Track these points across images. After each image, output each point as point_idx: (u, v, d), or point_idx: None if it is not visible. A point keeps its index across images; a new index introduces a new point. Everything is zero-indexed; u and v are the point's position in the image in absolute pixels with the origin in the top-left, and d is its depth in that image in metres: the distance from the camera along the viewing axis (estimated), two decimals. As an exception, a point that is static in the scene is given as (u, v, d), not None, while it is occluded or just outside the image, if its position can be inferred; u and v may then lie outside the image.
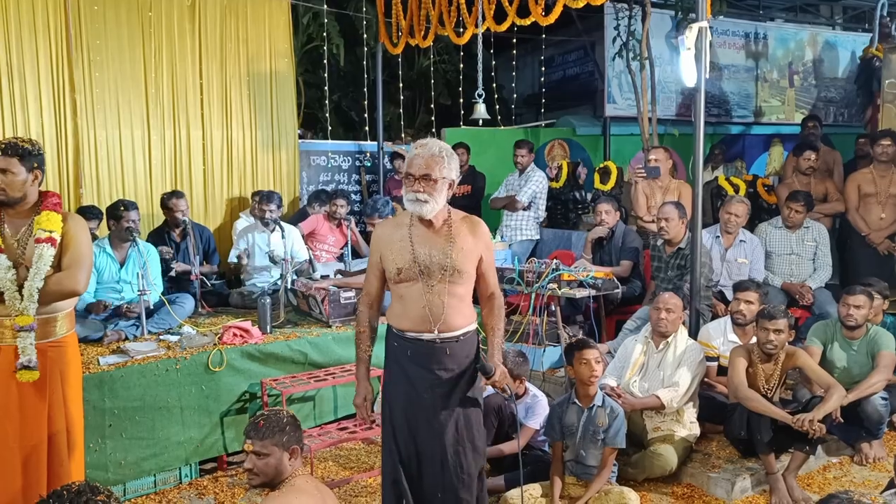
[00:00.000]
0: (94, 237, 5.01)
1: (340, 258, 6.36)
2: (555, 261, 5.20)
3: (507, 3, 5.61)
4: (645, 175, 6.02)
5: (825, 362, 4.42)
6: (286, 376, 4.49)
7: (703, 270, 4.70)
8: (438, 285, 2.84)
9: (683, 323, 4.43)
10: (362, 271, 5.32)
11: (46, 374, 3.04)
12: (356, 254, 6.46)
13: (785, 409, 3.95)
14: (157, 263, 5.02)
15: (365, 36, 8.13)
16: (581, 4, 5.14)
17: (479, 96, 6.40)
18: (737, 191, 6.60)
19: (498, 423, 4.04)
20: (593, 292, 5.01)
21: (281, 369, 4.53)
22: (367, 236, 7.11)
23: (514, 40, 8.89)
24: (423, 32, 6.59)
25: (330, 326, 4.87)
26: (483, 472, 3.03)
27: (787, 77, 10.07)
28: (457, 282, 2.86)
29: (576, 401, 3.80)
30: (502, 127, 9.14)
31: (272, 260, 5.59)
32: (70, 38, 5.89)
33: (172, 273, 5.37)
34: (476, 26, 6.04)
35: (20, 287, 2.97)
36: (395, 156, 7.76)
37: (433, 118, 8.97)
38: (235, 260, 5.83)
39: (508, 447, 3.98)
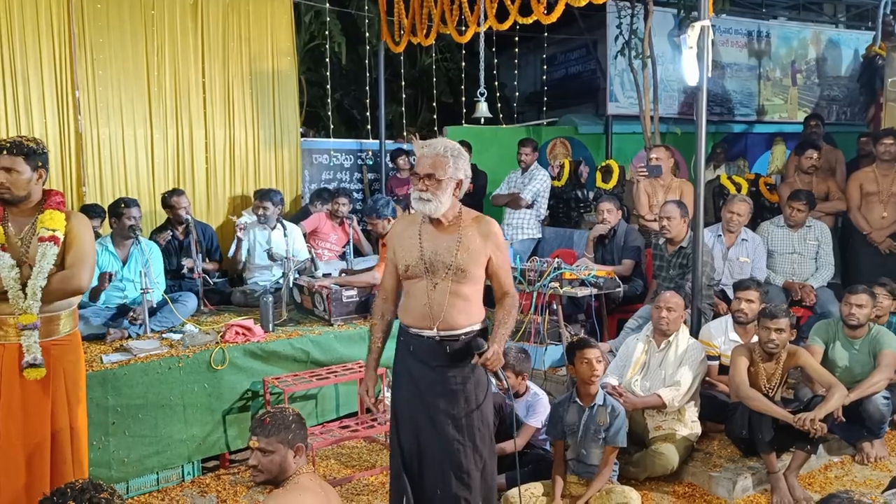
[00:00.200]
0: (97, 235, 5.02)
1: (342, 256, 6.37)
2: (556, 259, 5.21)
3: (509, 2, 5.61)
4: (647, 174, 6.02)
5: (827, 361, 4.42)
6: (288, 374, 4.50)
7: (704, 269, 4.71)
8: (442, 283, 2.87)
9: (685, 322, 4.44)
10: (365, 270, 5.35)
11: (50, 371, 3.05)
12: (358, 252, 6.47)
13: (786, 409, 3.96)
14: (160, 261, 5.03)
15: (367, 34, 8.14)
16: (583, 3, 5.14)
17: (482, 95, 6.41)
18: (739, 190, 6.60)
19: (499, 421, 4.03)
20: (595, 291, 5.02)
21: (283, 367, 4.54)
22: (368, 235, 7.12)
23: (517, 38, 8.91)
24: (425, 31, 6.59)
25: (332, 325, 4.88)
26: (489, 472, 3.01)
27: (789, 75, 10.06)
28: (461, 281, 2.87)
29: (577, 400, 3.80)
30: (504, 125, 9.15)
31: (271, 257, 5.60)
32: (73, 36, 5.90)
33: (184, 270, 5.38)
34: (478, 25, 6.05)
35: (24, 285, 2.98)
36: (397, 154, 7.76)
37: (435, 116, 8.98)
38: (232, 250, 5.82)
39: (509, 446, 3.98)
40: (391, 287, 3.10)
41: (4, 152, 2.99)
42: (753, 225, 5.87)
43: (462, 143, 7.47)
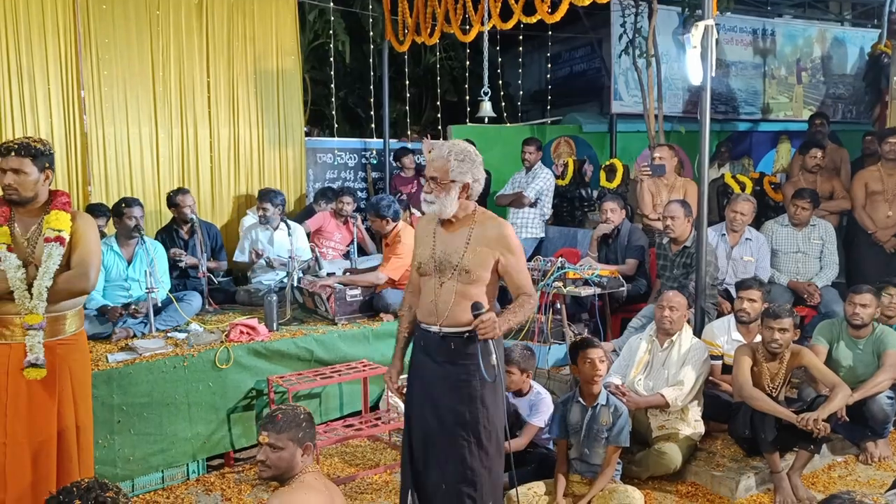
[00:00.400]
0: (103, 235, 5.04)
1: (346, 255, 6.38)
2: (560, 259, 5.21)
3: (512, 1, 5.61)
4: (650, 173, 6.01)
5: (831, 361, 4.42)
6: (292, 373, 4.52)
7: (708, 269, 4.70)
8: (449, 283, 2.94)
9: (688, 321, 4.44)
10: (369, 269, 5.37)
11: (56, 371, 3.08)
12: (362, 251, 6.48)
13: (790, 409, 3.96)
14: (165, 260, 5.05)
15: (371, 33, 8.14)
16: (587, 2, 5.14)
17: (485, 94, 6.41)
18: (743, 189, 6.58)
19: (503, 420, 4.05)
20: (598, 290, 5.02)
21: (287, 366, 4.56)
22: (373, 234, 7.13)
23: (521, 37, 8.89)
24: (429, 30, 6.59)
25: (336, 324, 4.90)
26: (495, 471, 3.00)
27: (795, 74, 10.02)
28: (466, 281, 2.92)
29: (580, 399, 3.81)
30: (508, 124, 9.15)
31: (269, 265, 5.61)
32: (79, 36, 5.92)
33: (182, 264, 5.40)
34: (482, 24, 6.05)
35: (30, 286, 3.00)
36: (401, 153, 7.77)
37: (439, 115, 8.98)
38: (246, 258, 5.84)
39: (512, 444, 3.99)
40: (416, 281, 3.15)
41: (13, 154, 3.02)
42: (758, 224, 5.87)
43: (466, 141, 7.53)
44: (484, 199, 7.60)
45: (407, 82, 8.64)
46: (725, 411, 4.26)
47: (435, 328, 2.97)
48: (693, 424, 4.16)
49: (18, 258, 3.02)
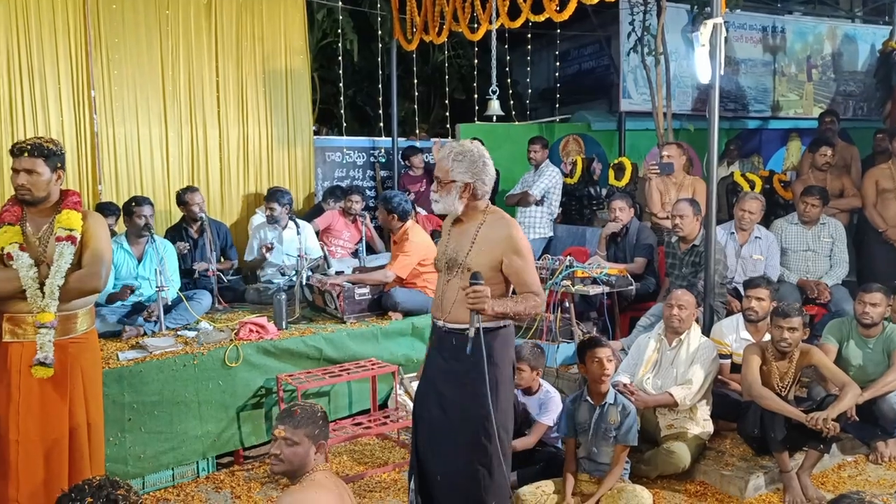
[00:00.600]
0: (113, 234, 5.08)
1: (355, 254, 6.40)
2: (568, 257, 5.21)
3: (521, 0, 5.60)
4: (659, 171, 6.00)
5: (840, 360, 4.40)
6: (301, 372, 4.54)
7: (717, 267, 4.69)
8: (454, 280, 2.99)
9: (697, 320, 4.43)
10: (377, 268, 5.38)
11: (67, 369, 3.10)
12: (371, 249, 6.49)
13: (799, 408, 3.94)
14: (175, 259, 5.08)
15: (379, 32, 8.15)
16: (595, 0, 5.13)
17: (494, 92, 6.41)
18: (752, 187, 6.56)
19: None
20: (607, 289, 5.02)
21: (296, 365, 4.58)
22: (381, 232, 7.14)
23: (529, 35, 8.88)
24: (437, 29, 6.60)
25: (344, 322, 4.91)
26: (495, 468, 2.99)
27: (805, 71, 9.97)
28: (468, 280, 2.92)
29: (588, 398, 3.81)
30: (517, 122, 9.14)
31: (282, 273, 5.63)
32: (89, 36, 5.96)
33: (196, 274, 5.43)
34: (490, 22, 6.04)
35: (42, 284, 3.03)
36: (409, 152, 7.77)
37: (448, 114, 8.98)
38: (257, 255, 5.86)
39: (520, 443, 4.00)
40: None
41: (25, 154, 3.04)
42: (767, 222, 5.84)
43: (474, 140, 7.53)
44: (493, 199, 7.61)
45: (415, 81, 8.65)
46: (734, 410, 4.25)
47: (440, 323, 3.04)
48: (702, 423, 4.15)
49: (30, 257, 3.05)
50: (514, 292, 3.02)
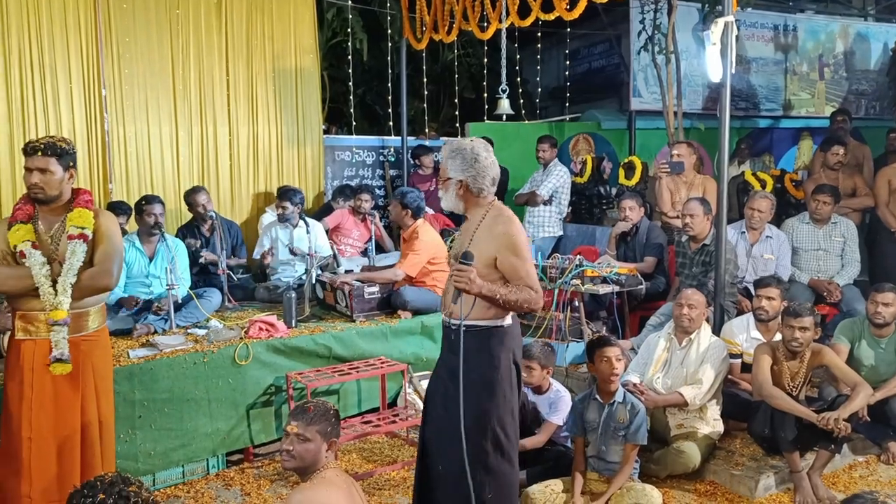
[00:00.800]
0: (124, 232, 5.10)
1: (364, 253, 6.41)
2: (578, 256, 5.20)
3: (531, -1, 5.60)
4: (669, 170, 5.98)
5: (852, 360, 4.37)
6: (311, 370, 4.55)
7: (727, 267, 4.67)
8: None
9: (707, 319, 4.41)
10: (387, 266, 5.38)
11: (79, 366, 3.12)
12: (380, 248, 6.50)
13: (810, 408, 3.92)
14: (185, 258, 5.10)
15: (389, 31, 8.15)
16: (605, -1, 5.12)
17: (503, 91, 6.40)
18: (763, 186, 6.53)
19: (521, 418, 4.05)
20: (617, 288, 5.01)
21: (306, 363, 4.59)
22: (391, 231, 7.15)
23: (539, 34, 8.86)
24: (446, 27, 6.59)
25: (354, 321, 4.92)
26: (494, 467, 2.99)
27: (817, 70, 9.91)
28: None
29: (597, 397, 3.81)
30: (526, 121, 9.12)
31: (292, 252, 5.66)
32: (100, 35, 5.99)
33: (201, 261, 5.45)
34: (500, 21, 6.04)
35: (54, 282, 3.05)
36: (419, 151, 7.78)
37: (457, 112, 8.97)
38: (258, 257, 5.90)
39: (530, 442, 4.00)
40: None
41: (39, 153, 3.07)
42: (778, 221, 5.82)
43: (483, 139, 7.50)
44: (502, 198, 7.60)
45: (425, 80, 8.64)
46: (744, 410, 4.24)
47: (445, 319, 3.08)
48: (712, 423, 4.14)
49: (42, 255, 3.07)
50: None
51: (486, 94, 8.94)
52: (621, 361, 3.78)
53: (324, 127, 7.67)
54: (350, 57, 8.11)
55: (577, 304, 5.11)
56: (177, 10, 6.32)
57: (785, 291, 4.60)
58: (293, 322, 4.73)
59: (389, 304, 5.09)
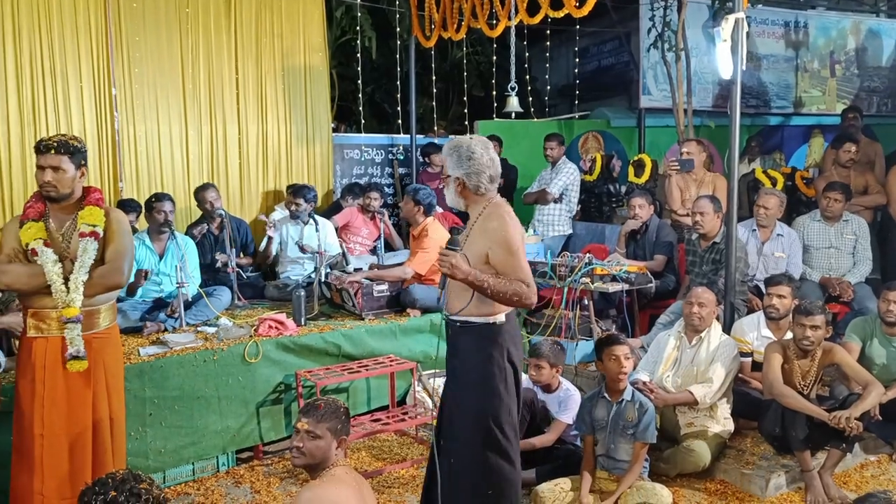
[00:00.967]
0: (134, 230, 5.13)
1: (373, 251, 6.41)
2: (588, 255, 5.19)
3: (540, -4, 5.58)
4: (678, 168, 5.95)
5: (864, 359, 4.34)
6: (320, 368, 4.56)
7: (738, 265, 4.65)
8: None
9: (717, 318, 4.39)
10: (396, 265, 5.39)
11: (91, 364, 3.13)
12: (389, 246, 6.51)
13: (821, 406, 3.90)
14: (195, 256, 5.12)
15: (398, 29, 8.15)
16: (615, -4, 5.09)
17: (512, 89, 6.39)
18: (774, 184, 6.49)
19: (530, 416, 4.05)
20: (626, 286, 4.99)
21: (315, 361, 4.60)
22: (400, 229, 7.16)
23: (548, 31, 8.84)
24: (455, 25, 6.58)
25: (363, 319, 4.92)
26: (491, 462, 2.99)
27: (828, 67, 9.85)
28: None
29: (605, 395, 3.80)
30: (535, 119, 9.11)
31: (301, 249, 5.67)
32: (110, 35, 6.01)
33: (218, 265, 5.47)
34: (509, 19, 6.02)
35: (66, 280, 3.06)
36: (428, 149, 7.77)
37: (466, 110, 8.96)
38: (263, 245, 5.90)
39: (539, 441, 4.00)
40: None
41: (52, 151, 3.08)
42: (789, 219, 5.78)
43: (492, 137, 7.53)
44: (511, 194, 7.60)
45: (434, 78, 8.64)
46: (755, 409, 4.22)
47: (447, 312, 3.10)
48: (722, 422, 4.12)
49: (54, 253, 3.08)
50: None
51: (494, 92, 8.93)
52: (630, 360, 3.77)
53: (333, 125, 7.67)
54: (359, 55, 8.11)
55: (586, 302, 5.10)
56: (186, 10, 6.34)
57: (796, 289, 4.57)
58: (302, 320, 4.74)
59: (398, 302, 5.09)
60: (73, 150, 3.12)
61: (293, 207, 5.87)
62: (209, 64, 6.50)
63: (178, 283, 4.61)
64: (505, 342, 3.01)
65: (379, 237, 6.29)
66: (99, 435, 3.18)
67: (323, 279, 5.28)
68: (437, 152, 7.69)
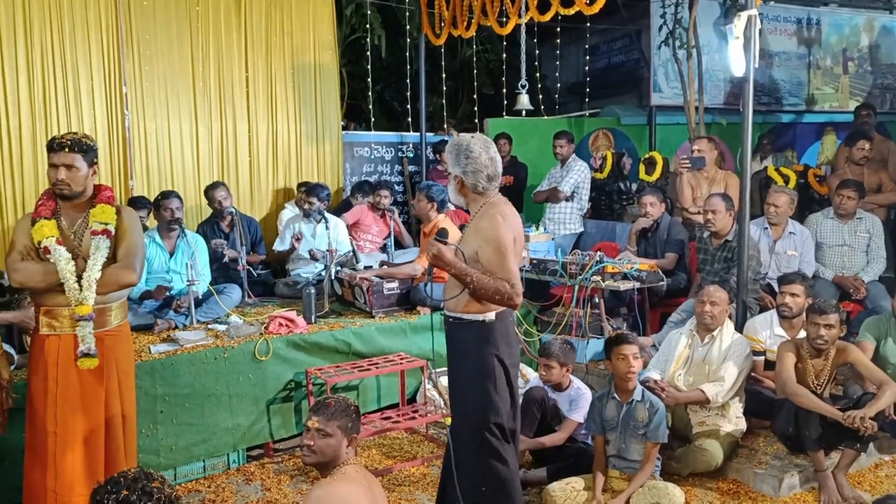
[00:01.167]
0: (145, 228, 5.14)
1: (384, 249, 6.41)
2: (599, 253, 5.17)
3: (550, -7, 5.55)
4: (689, 166, 5.92)
5: (878, 358, 4.31)
6: (330, 366, 4.56)
7: (750, 263, 4.62)
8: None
9: (729, 316, 4.36)
10: (406, 263, 5.38)
11: (103, 361, 3.14)
12: (399, 244, 6.50)
13: (835, 406, 3.86)
14: (206, 253, 5.13)
15: (407, 27, 8.14)
16: (626, -7, 5.07)
17: (523, 87, 6.36)
18: (787, 181, 6.44)
19: (541, 415, 4.04)
20: (637, 285, 4.97)
21: (325, 359, 4.60)
22: (410, 227, 7.15)
23: (559, 29, 8.80)
24: (465, 23, 6.57)
25: (373, 317, 4.92)
26: (484, 461, 3.01)
27: (841, 64, 9.77)
28: None
29: (615, 395, 3.77)
30: (546, 117, 9.08)
31: (312, 257, 5.66)
32: (121, 33, 6.03)
33: (225, 259, 5.48)
34: (519, 16, 6.00)
35: (78, 278, 3.07)
36: (439, 146, 7.76)
37: (476, 108, 8.95)
38: (286, 247, 5.90)
39: (550, 440, 3.98)
40: None
41: (66, 149, 3.09)
42: (802, 217, 5.74)
43: (502, 135, 7.51)
44: (521, 193, 7.57)
45: (443, 75, 8.62)
46: (768, 408, 4.18)
47: (443, 307, 3.14)
48: (734, 421, 4.09)
49: (67, 251, 3.09)
50: None
51: (504, 90, 8.90)
52: (638, 360, 3.75)
53: (342, 123, 7.67)
54: (368, 53, 8.11)
55: (597, 300, 5.08)
56: (197, 8, 6.35)
57: (809, 288, 4.53)
58: (313, 318, 4.74)
59: (408, 300, 5.09)
60: (86, 149, 3.13)
61: (306, 206, 5.87)
62: (219, 62, 6.51)
63: (188, 280, 4.62)
64: (496, 341, 3.00)
65: (389, 235, 6.29)
66: (111, 432, 3.19)
67: (333, 276, 5.28)
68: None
